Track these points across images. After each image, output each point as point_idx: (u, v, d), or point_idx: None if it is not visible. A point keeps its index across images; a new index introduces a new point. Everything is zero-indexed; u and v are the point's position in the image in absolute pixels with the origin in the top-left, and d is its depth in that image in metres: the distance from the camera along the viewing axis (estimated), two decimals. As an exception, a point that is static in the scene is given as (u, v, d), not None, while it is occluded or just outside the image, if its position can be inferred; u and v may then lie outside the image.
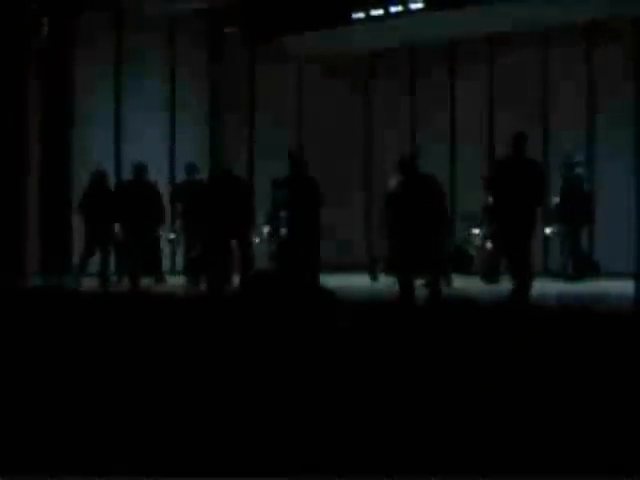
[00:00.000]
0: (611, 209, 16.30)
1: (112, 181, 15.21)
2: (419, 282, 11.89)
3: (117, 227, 13.92)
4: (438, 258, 11.82)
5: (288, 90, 19.49)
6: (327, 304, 8.67)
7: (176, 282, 14.27)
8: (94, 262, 14.89)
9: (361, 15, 17.31)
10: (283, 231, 12.49)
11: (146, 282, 13.84)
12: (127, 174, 15.09)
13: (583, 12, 15.89)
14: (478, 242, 15.07)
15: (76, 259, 15.54)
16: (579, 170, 15.03)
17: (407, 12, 16.78)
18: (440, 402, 4.85)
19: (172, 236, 15.09)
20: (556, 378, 5.52)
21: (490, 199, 11.22)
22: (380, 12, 17.09)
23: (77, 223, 15.15)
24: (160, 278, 14.68)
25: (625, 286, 11.73)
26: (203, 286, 13.33)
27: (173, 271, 16.50)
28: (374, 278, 15.10)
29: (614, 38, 16.35)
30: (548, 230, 14.70)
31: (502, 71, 17.73)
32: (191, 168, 14.85)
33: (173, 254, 16.48)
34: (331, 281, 11.64)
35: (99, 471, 3.60)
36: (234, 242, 13.25)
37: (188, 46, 18.13)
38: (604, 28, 16.37)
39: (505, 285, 11.73)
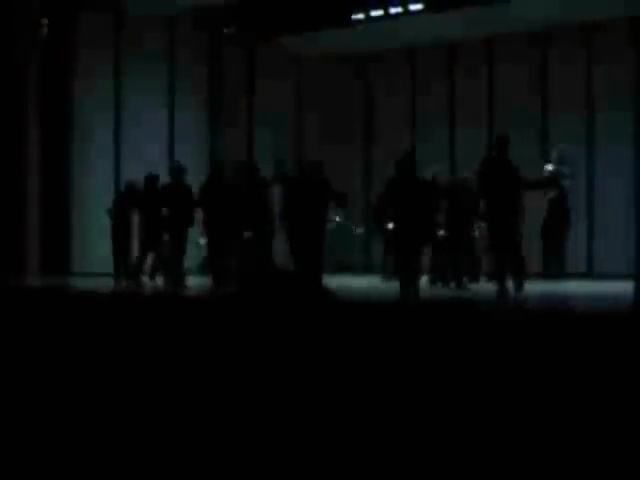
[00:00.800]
0: (609, 211, 16.35)
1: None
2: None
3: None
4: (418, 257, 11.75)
5: (287, 90, 19.53)
6: (329, 304, 8.66)
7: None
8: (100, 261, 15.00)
9: (361, 16, 17.28)
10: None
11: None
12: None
13: (583, 13, 15.94)
14: None
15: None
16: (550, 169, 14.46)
17: (407, 13, 16.77)
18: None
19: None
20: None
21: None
22: (380, 13, 17.06)
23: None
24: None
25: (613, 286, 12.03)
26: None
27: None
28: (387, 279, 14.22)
29: (614, 40, 16.41)
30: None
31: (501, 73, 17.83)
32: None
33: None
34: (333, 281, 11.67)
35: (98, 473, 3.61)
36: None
37: (187, 47, 18.09)
38: (604, 30, 16.44)
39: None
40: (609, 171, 16.40)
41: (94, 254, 16.30)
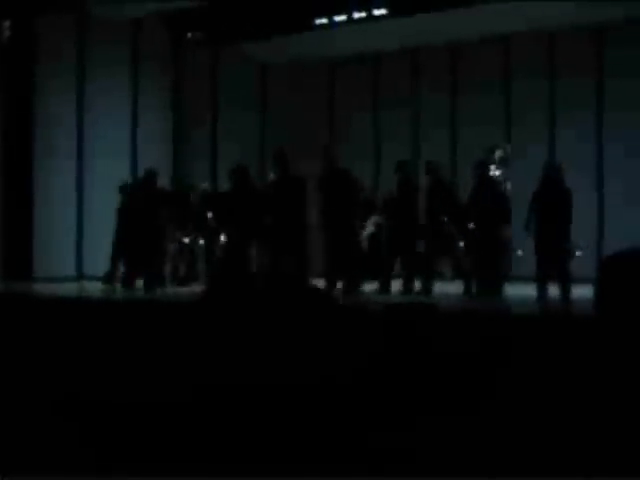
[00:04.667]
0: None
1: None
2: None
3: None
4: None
5: (251, 96, 19.45)
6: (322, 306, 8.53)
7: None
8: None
9: (324, 21, 17.16)
10: None
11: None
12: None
13: (549, 20, 16.02)
14: None
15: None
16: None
17: (370, 18, 16.68)
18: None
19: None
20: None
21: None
22: (343, 18, 16.95)
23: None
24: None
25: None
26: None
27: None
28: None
29: (577, 47, 16.56)
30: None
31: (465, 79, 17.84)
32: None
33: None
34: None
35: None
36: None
37: (151, 51, 17.91)
38: (568, 37, 16.58)
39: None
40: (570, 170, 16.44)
41: (58, 259, 16.23)
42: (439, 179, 12.95)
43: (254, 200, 12.71)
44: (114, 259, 14.18)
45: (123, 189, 14.44)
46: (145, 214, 13.55)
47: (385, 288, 13.07)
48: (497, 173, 13.98)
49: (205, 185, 16.16)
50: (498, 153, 14.50)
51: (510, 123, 17.42)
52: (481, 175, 12.63)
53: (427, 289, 12.64)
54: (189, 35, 18.19)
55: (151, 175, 14.04)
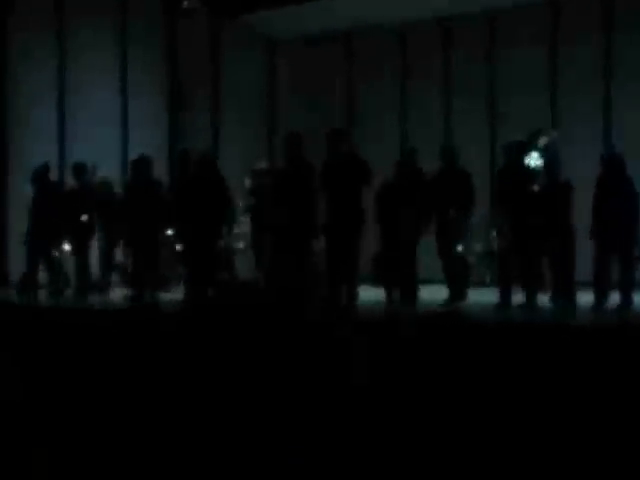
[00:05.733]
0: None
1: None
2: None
3: None
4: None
5: (257, 72, 18.33)
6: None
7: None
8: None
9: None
10: None
11: None
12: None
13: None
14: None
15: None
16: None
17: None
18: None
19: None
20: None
21: None
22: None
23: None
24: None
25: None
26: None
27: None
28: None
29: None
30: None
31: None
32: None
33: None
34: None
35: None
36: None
37: (141, 21, 16.75)
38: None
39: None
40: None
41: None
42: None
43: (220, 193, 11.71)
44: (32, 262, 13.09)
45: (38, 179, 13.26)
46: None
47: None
48: (538, 163, 12.11)
49: None
50: (542, 140, 12.62)
51: (556, 103, 15.99)
52: (513, 162, 11.09)
53: (461, 295, 11.37)
54: (185, 3, 17.03)
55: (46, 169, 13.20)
